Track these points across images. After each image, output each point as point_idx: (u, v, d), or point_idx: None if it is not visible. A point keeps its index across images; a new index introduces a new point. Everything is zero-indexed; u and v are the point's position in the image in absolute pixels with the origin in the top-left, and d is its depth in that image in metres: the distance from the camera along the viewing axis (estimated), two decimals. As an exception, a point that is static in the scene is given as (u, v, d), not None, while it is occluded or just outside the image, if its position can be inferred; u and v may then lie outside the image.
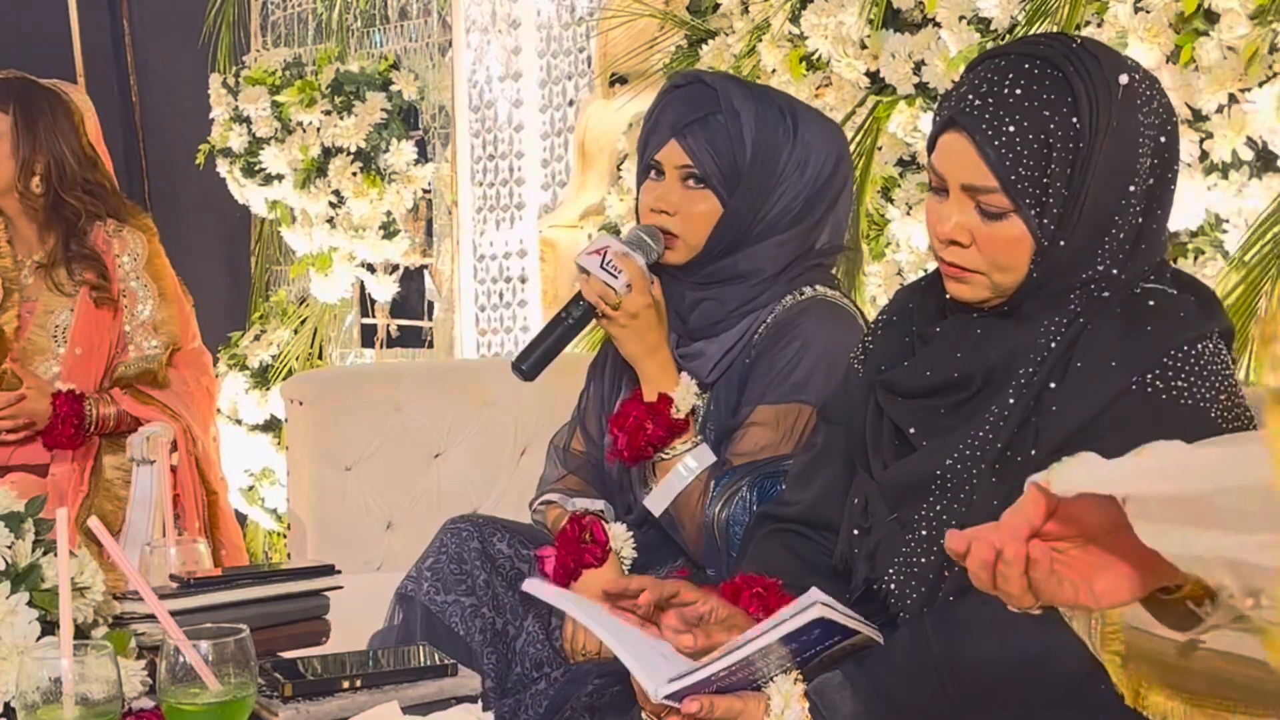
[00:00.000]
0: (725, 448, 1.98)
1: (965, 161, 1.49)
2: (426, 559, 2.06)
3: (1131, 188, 1.49)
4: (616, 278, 1.95)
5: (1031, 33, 2.27)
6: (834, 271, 2.10)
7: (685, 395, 1.97)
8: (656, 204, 2.01)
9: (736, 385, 2.00)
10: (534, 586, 1.61)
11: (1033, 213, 1.47)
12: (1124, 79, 1.48)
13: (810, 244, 2.03)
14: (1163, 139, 1.51)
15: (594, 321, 2.02)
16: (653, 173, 2.03)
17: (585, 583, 1.97)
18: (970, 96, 1.49)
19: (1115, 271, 1.51)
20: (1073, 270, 1.51)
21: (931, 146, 1.55)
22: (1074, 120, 1.46)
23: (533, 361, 2.00)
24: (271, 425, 4.26)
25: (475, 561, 2.04)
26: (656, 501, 1.99)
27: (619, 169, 3.30)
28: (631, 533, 2.02)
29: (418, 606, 2.01)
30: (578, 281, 2.00)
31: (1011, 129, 1.46)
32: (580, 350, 2.95)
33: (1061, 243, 1.49)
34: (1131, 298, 1.50)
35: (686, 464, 1.96)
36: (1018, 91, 1.47)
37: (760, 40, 2.82)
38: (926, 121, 2.51)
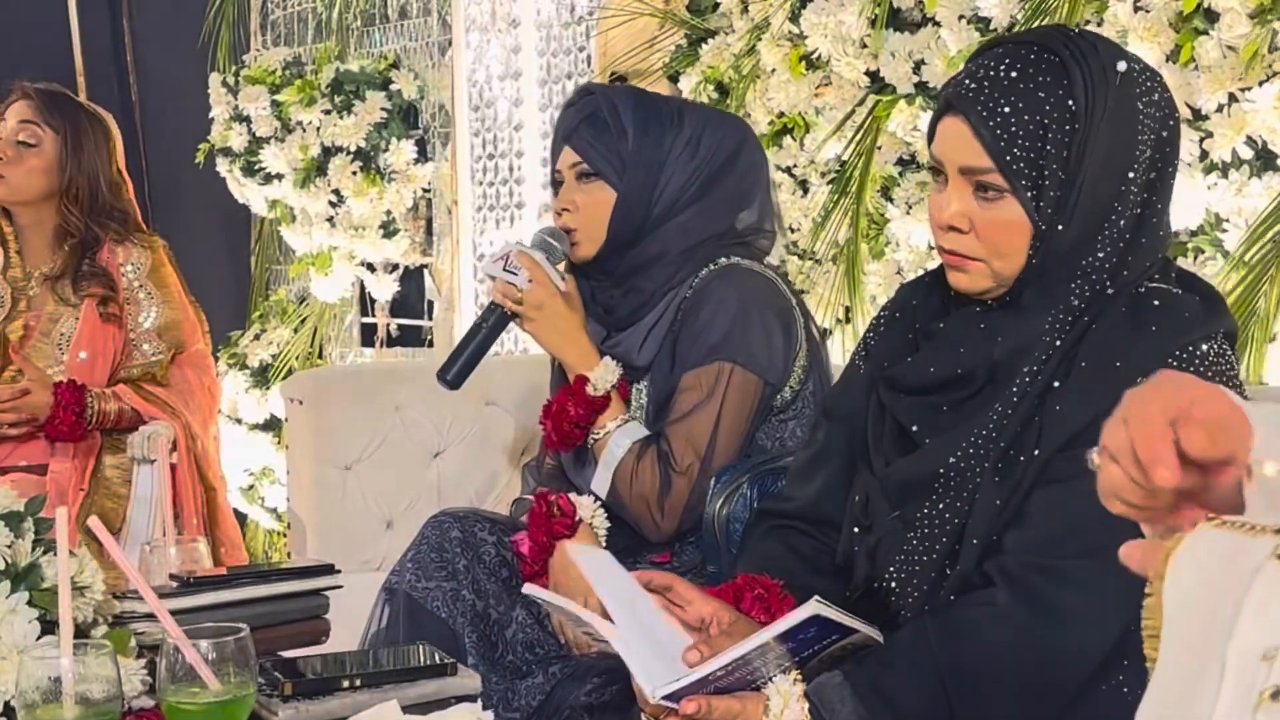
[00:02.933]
0: (661, 419, 2.05)
1: (962, 144, 1.49)
2: (409, 551, 2.13)
3: (1131, 174, 1.49)
4: (517, 274, 2.06)
5: (1031, 32, 2.27)
6: (778, 260, 2.20)
7: (603, 374, 2.05)
8: (557, 205, 2.14)
9: (669, 363, 2.07)
10: (533, 590, 1.62)
11: (1029, 194, 1.47)
12: (1122, 65, 1.48)
13: (727, 225, 2.11)
14: (1164, 133, 1.50)
15: (510, 324, 2.12)
16: (556, 185, 2.15)
17: (562, 555, 2.00)
18: (967, 81, 1.50)
19: (1115, 261, 1.51)
20: (1072, 258, 1.50)
21: (931, 135, 1.56)
22: (1070, 103, 1.46)
23: (456, 371, 2.10)
24: (271, 424, 4.26)
25: (456, 549, 2.10)
26: (600, 482, 2.05)
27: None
28: (598, 503, 2.06)
29: (400, 596, 2.06)
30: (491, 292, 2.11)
31: (1006, 109, 1.46)
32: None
33: (1060, 228, 1.48)
34: (1136, 297, 1.49)
35: (618, 440, 2.03)
36: (1013, 74, 1.48)
37: (760, 39, 2.82)
38: (926, 121, 2.51)
